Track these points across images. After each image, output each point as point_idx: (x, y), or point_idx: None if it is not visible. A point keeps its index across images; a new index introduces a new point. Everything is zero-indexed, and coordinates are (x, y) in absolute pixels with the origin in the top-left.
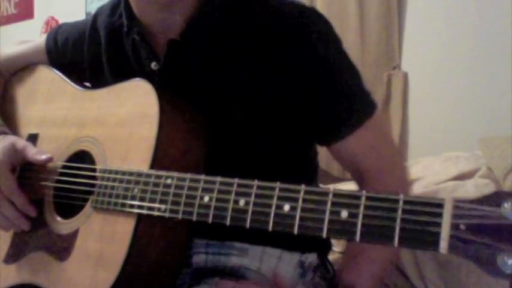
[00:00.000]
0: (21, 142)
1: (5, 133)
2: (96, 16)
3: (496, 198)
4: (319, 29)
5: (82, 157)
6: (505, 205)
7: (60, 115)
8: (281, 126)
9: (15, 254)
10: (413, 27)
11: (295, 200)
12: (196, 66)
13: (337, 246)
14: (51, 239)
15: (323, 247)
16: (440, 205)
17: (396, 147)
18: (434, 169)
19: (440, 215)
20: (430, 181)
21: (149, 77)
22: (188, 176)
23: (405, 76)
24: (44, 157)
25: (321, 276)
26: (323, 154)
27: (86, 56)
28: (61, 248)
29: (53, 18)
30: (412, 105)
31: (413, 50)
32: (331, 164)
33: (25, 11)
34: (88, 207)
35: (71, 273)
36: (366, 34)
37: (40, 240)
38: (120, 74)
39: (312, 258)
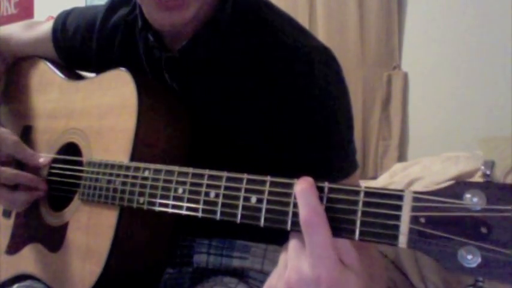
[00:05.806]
0: (12, 137)
1: None
2: (108, 10)
3: (457, 189)
4: (325, 74)
5: (72, 149)
6: (466, 196)
7: (50, 107)
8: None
9: (15, 245)
10: (413, 27)
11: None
12: (192, 83)
13: None
14: (45, 230)
15: None
16: (400, 197)
17: None
18: (434, 169)
19: (400, 207)
20: (430, 181)
21: (161, 76)
22: (164, 167)
23: (405, 76)
24: (41, 160)
25: None
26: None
27: (94, 49)
28: (53, 240)
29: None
30: (412, 105)
31: (413, 50)
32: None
33: (25, 11)
34: (76, 199)
35: (62, 265)
36: (366, 34)
37: (36, 232)
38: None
39: None
